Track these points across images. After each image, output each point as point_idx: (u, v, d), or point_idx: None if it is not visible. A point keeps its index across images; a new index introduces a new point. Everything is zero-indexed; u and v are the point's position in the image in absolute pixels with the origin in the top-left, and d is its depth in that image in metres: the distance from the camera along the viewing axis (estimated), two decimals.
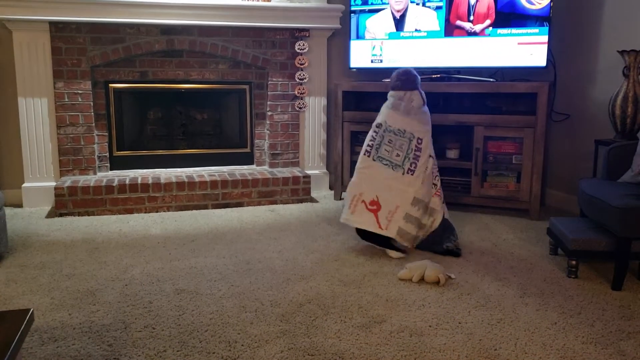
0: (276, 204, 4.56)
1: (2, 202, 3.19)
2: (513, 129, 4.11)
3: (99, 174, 4.56)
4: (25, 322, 1.52)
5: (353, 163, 4.64)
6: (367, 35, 4.66)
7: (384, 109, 3.52)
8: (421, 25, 4.47)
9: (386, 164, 3.41)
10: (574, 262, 2.98)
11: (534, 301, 2.69)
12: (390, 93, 3.53)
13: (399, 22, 4.53)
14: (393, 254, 3.31)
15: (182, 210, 4.34)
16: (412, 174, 3.36)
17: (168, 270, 3.06)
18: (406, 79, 3.48)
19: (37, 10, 4.15)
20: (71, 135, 4.44)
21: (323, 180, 5.07)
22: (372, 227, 3.33)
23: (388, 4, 4.53)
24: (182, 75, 4.67)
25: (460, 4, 4.32)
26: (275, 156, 4.92)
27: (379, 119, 3.51)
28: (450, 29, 4.39)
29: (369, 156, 3.46)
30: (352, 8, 4.68)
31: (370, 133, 3.50)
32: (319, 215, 4.23)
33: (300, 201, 4.62)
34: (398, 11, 4.52)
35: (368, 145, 3.47)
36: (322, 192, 4.98)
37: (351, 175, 4.63)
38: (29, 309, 1.59)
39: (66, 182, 4.22)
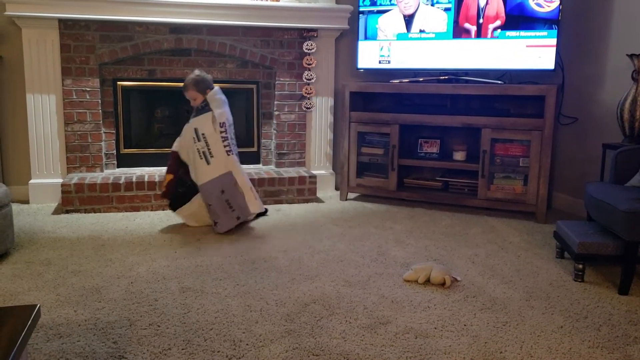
0: (282, 203, 4.56)
1: (9, 199, 3.20)
2: (520, 131, 4.10)
3: (106, 172, 4.57)
4: (32, 318, 1.52)
5: (359, 164, 4.67)
6: (379, 34, 4.65)
7: (222, 107, 3.80)
8: (430, 26, 4.46)
9: (238, 156, 3.90)
10: (580, 266, 2.97)
11: (540, 304, 2.68)
12: (216, 90, 3.86)
13: (409, 23, 4.52)
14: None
15: None
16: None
17: (174, 268, 3.07)
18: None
19: (46, 7, 4.16)
20: (79, 133, 4.45)
21: (329, 181, 5.07)
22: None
23: (396, 4, 4.53)
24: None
25: (469, 6, 4.31)
26: (282, 156, 4.92)
27: (222, 118, 3.77)
28: (458, 31, 4.38)
29: (233, 154, 3.81)
30: (361, 9, 4.67)
31: (219, 134, 3.74)
32: (325, 215, 4.23)
33: (306, 201, 4.62)
34: (408, 13, 4.51)
35: (225, 145, 3.76)
36: (328, 193, 4.98)
37: (357, 175, 4.67)
38: (36, 305, 1.59)
39: (73, 179, 4.23)
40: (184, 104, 4.97)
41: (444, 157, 4.60)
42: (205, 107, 3.79)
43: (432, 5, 4.42)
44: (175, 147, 3.81)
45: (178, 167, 3.80)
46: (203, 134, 3.71)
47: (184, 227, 3.87)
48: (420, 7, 4.46)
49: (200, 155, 3.70)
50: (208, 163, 3.70)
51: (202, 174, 3.72)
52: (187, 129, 3.77)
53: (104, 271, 3.00)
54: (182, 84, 3.83)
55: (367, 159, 4.68)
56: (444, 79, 4.50)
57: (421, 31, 4.50)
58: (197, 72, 3.85)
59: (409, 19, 4.52)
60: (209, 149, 3.71)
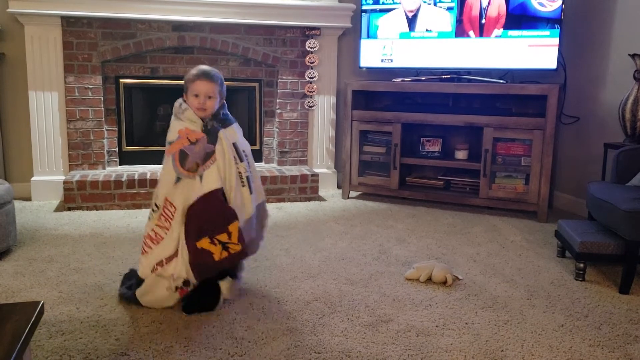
0: (284, 202, 4.56)
1: (11, 196, 3.20)
2: (522, 130, 4.10)
3: (108, 169, 4.58)
4: (35, 315, 1.53)
5: (362, 162, 4.67)
6: (380, 34, 4.65)
7: (236, 128, 2.65)
8: (433, 25, 4.46)
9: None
10: (581, 265, 2.97)
11: (541, 303, 2.69)
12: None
13: (411, 22, 4.52)
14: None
15: None
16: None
17: None
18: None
19: (49, 4, 4.17)
20: (81, 130, 4.45)
21: (331, 179, 5.07)
22: None
23: (399, 3, 4.53)
24: None
25: (472, 5, 4.31)
26: (284, 154, 4.92)
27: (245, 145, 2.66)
28: (461, 30, 4.38)
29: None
30: (363, 7, 4.67)
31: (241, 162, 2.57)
32: (327, 214, 4.23)
33: (308, 199, 4.62)
34: (410, 11, 4.51)
35: (242, 179, 2.57)
36: (329, 191, 4.98)
37: (359, 174, 4.67)
38: (39, 302, 1.59)
39: (75, 177, 4.23)
40: None
41: (446, 156, 4.60)
42: (228, 116, 2.65)
43: (435, 4, 4.42)
44: (216, 182, 2.48)
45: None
46: (244, 151, 2.61)
47: None
48: (422, 6, 4.46)
49: (243, 182, 2.57)
50: (251, 191, 2.59)
51: (243, 207, 2.57)
52: (225, 145, 2.51)
53: (106, 268, 3.01)
54: (201, 71, 2.55)
55: (369, 157, 4.69)
56: (447, 77, 4.50)
57: (425, 30, 4.49)
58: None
59: (411, 18, 4.52)
60: (250, 172, 2.61)
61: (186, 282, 2.51)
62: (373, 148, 4.68)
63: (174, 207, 2.47)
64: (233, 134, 2.59)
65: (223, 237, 2.47)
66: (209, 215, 2.46)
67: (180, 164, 2.47)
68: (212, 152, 2.48)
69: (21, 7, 4.13)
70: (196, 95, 2.51)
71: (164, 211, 2.50)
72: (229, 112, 2.67)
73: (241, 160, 2.56)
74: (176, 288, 2.51)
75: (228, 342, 2.24)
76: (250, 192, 2.58)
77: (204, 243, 2.45)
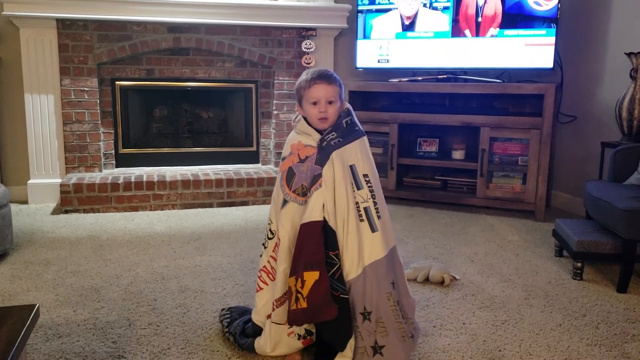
0: None
1: (8, 199, 3.20)
2: (519, 130, 4.10)
3: (105, 171, 4.57)
4: (30, 318, 1.52)
5: None
6: (376, 34, 4.64)
7: (359, 144, 2.14)
8: (429, 25, 4.46)
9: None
10: (579, 264, 2.97)
11: (539, 303, 2.69)
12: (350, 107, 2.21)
13: (408, 25, 4.52)
14: None
15: (187, 208, 4.34)
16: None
17: (173, 268, 3.06)
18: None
19: (44, 7, 4.16)
20: (77, 132, 4.44)
21: None
22: None
23: (394, 3, 4.52)
24: (188, 74, 4.67)
25: (468, 5, 4.30)
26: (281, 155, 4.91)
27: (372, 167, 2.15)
28: (457, 29, 4.37)
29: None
30: (359, 8, 4.67)
31: (369, 190, 2.07)
32: None
33: None
34: (408, 17, 4.50)
35: (360, 211, 2.04)
36: None
37: None
38: (35, 305, 1.59)
39: (72, 179, 4.22)
40: (183, 104, 4.99)
41: (443, 156, 4.60)
42: (355, 126, 2.16)
43: (431, 4, 4.41)
44: (318, 212, 2.00)
45: (324, 252, 2.00)
46: (365, 176, 2.08)
47: (183, 227, 3.87)
48: (419, 10, 4.45)
49: (361, 215, 2.03)
50: (373, 229, 2.05)
51: (363, 250, 2.03)
52: (336, 169, 2.03)
53: (103, 271, 3.00)
54: (317, 73, 2.12)
55: None
56: (443, 77, 4.49)
57: (420, 30, 4.49)
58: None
59: (409, 24, 4.51)
60: (375, 202, 2.07)
61: (308, 331, 2.11)
62: (370, 149, 4.65)
63: (279, 237, 2.09)
64: (354, 153, 2.07)
65: (298, 284, 1.97)
66: (300, 250, 2.00)
67: (287, 184, 2.09)
68: (319, 175, 2.02)
69: (16, 10, 4.12)
70: (314, 103, 2.08)
71: (278, 239, 2.12)
72: (357, 121, 2.18)
73: (358, 189, 2.03)
74: (299, 336, 2.11)
75: (225, 344, 2.23)
76: (373, 230, 2.03)
77: (291, 282, 2.01)
